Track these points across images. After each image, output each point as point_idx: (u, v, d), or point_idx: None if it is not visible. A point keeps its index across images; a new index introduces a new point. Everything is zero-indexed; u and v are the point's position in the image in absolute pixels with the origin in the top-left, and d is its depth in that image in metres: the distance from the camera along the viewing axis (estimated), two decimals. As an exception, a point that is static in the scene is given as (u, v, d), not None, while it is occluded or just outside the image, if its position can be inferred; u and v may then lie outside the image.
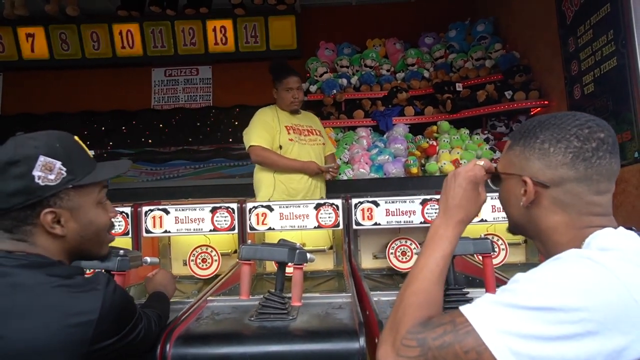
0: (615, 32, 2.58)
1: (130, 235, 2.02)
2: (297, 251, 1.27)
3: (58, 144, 0.94)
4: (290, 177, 2.78)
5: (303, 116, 2.96)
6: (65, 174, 0.92)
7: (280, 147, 2.79)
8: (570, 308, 0.66)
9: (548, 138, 0.83)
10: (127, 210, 2.04)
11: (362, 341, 1.09)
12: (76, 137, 1.00)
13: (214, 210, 2.06)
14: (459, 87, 4.14)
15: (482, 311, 0.72)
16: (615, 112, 2.60)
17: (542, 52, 3.68)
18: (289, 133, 2.79)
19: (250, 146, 2.75)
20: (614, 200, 2.47)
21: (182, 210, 2.08)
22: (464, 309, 0.74)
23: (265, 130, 2.76)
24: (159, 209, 2.06)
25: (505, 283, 1.54)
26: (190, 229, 2.08)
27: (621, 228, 0.81)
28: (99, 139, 4.98)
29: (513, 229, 0.94)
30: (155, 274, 1.44)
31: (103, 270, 1.29)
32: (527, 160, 0.85)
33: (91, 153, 1.04)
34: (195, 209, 2.10)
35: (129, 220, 2.04)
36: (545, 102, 3.63)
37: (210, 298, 1.43)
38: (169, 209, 2.05)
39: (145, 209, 2.05)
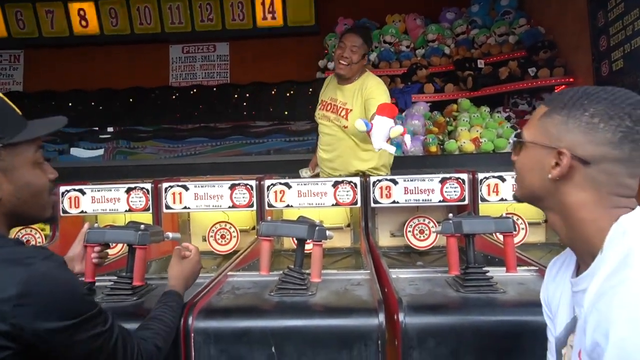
0: (648, 5, 2.48)
1: (151, 211, 2.05)
2: (317, 228, 1.28)
3: None
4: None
5: (351, 87, 2.56)
6: None
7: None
8: None
9: (600, 112, 0.78)
10: (148, 186, 2.07)
11: (381, 317, 1.10)
12: (1, 95, 0.93)
13: (232, 187, 2.07)
14: (480, 63, 4.04)
15: None
16: (644, 90, 2.52)
17: (569, 27, 3.55)
18: (320, 109, 2.68)
19: None
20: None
21: (202, 186, 2.09)
22: None
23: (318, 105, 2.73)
24: (178, 185, 2.08)
25: (525, 263, 1.54)
26: (209, 205, 2.10)
27: None
28: (117, 116, 5.03)
29: (526, 197, 0.90)
30: (184, 258, 1.32)
31: (125, 245, 1.30)
32: (569, 132, 0.80)
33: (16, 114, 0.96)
34: (214, 186, 2.11)
35: (150, 196, 2.07)
36: (571, 80, 3.53)
37: (230, 273, 1.46)
38: (188, 186, 2.08)
39: (165, 185, 2.08)
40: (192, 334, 1.07)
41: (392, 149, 2.02)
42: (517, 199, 0.92)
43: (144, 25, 5.19)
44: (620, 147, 0.76)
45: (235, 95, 5.13)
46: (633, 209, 0.79)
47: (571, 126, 0.79)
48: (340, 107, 2.60)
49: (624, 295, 0.66)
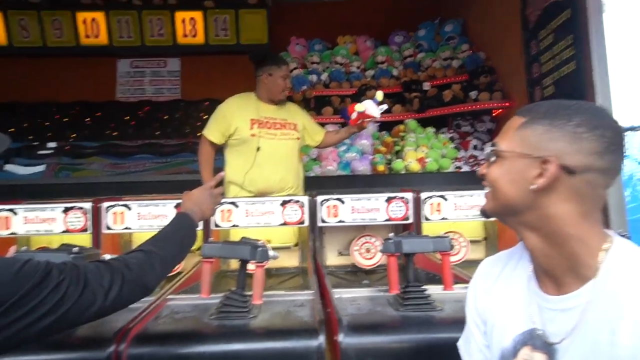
0: (575, 37, 2.68)
1: (89, 232, 1.97)
2: (259, 249, 1.28)
3: None
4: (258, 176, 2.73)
5: (281, 108, 2.83)
6: None
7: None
8: None
9: (584, 122, 0.77)
10: (87, 205, 1.99)
11: (321, 339, 1.11)
12: None
13: (178, 207, 2.03)
14: (426, 86, 4.20)
15: None
16: (572, 115, 2.70)
17: (506, 54, 3.78)
18: (252, 128, 2.69)
19: (202, 133, 2.75)
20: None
21: (145, 206, 2.04)
22: None
23: (219, 124, 2.72)
24: (120, 205, 2.02)
25: (463, 280, 1.60)
26: (152, 225, 2.04)
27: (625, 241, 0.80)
28: (61, 130, 4.81)
29: (499, 211, 0.86)
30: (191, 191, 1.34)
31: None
32: (553, 141, 0.78)
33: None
34: (158, 205, 2.06)
35: (89, 216, 1.99)
36: (507, 104, 3.74)
37: (170, 296, 1.42)
38: (130, 205, 2.01)
39: (105, 204, 2.01)
40: (125, 363, 1.03)
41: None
42: (486, 214, 0.89)
43: (90, 38, 5.03)
44: (603, 157, 0.76)
45: (186, 112, 5.04)
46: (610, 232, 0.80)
47: (555, 135, 0.78)
48: (283, 123, 2.80)
49: None
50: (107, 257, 1.42)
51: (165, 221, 2.06)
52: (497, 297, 0.91)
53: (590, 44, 2.54)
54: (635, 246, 0.78)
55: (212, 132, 2.72)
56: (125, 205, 2.01)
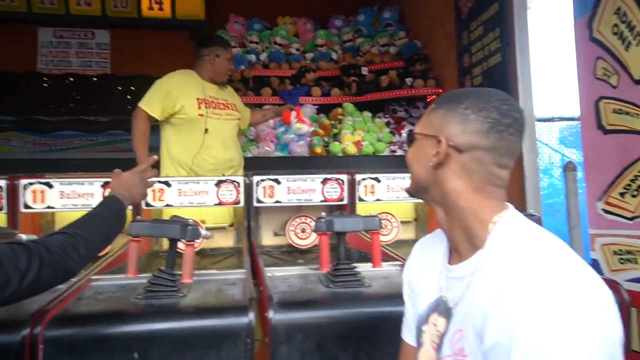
0: (501, 30, 2.83)
1: (5, 211, 1.83)
2: (189, 227, 1.25)
3: None
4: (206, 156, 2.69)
5: (223, 89, 2.83)
6: None
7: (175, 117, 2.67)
8: None
9: (472, 105, 0.86)
10: (2, 183, 1.85)
11: (251, 316, 1.12)
12: None
13: (105, 185, 1.94)
14: (364, 71, 4.27)
15: None
16: (497, 104, 2.87)
17: (440, 43, 3.91)
18: (199, 108, 2.64)
19: (138, 106, 2.61)
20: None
21: (68, 184, 1.93)
22: None
23: (162, 100, 2.60)
24: (40, 183, 1.89)
25: (392, 258, 1.67)
26: (77, 205, 1.94)
27: (520, 216, 0.85)
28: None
29: (415, 189, 0.95)
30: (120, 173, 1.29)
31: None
32: (448, 123, 0.87)
33: None
34: (83, 183, 1.96)
35: (4, 194, 1.85)
36: (441, 91, 3.89)
37: (94, 277, 1.36)
38: (52, 183, 1.89)
39: (23, 182, 1.88)
40: (41, 345, 0.98)
41: None
42: (410, 193, 0.97)
43: (6, 2, 4.60)
44: (488, 136, 0.84)
45: (117, 87, 4.78)
46: (506, 201, 0.87)
47: (449, 117, 0.87)
48: (226, 104, 2.80)
49: (528, 299, 0.70)
50: (24, 237, 1.34)
51: (92, 200, 1.99)
52: (421, 270, 0.99)
53: (515, 38, 2.69)
54: (523, 219, 0.85)
55: (153, 107, 2.59)
56: (47, 184, 1.89)
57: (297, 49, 4.67)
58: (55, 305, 1.09)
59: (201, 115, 2.64)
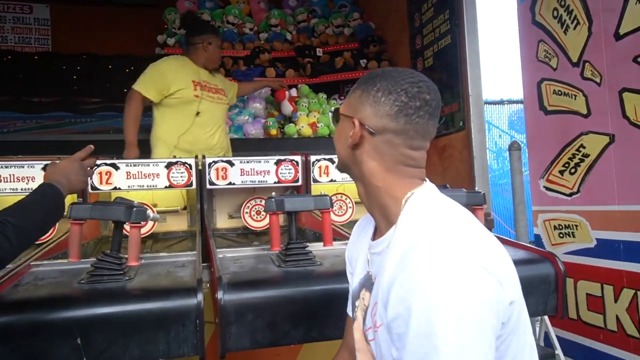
0: (450, 12, 2.88)
1: None
2: (135, 209, 1.21)
3: None
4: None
5: (214, 75, 2.98)
6: None
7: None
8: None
9: (383, 88, 0.86)
10: None
11: (199, 297, 1.10)
12: None
13: (46, 168, 1.84)
14: (319, 52, 4.24)
15: None
16: (448, 85, 2.94)
17: (393, 25, 3.95)
18: (195, 89, 2.75)
19: (133, 88, 2.69)
20: (442, 163, 2.81)
21: (6, 167, 1.83)
22: None
23: (157, 82, 2.69)
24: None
25: (343, 237, 1.69)
26: (17, 189, 1.84)
27: (433, 190, 0.89)
28: None
29: (340, 166, 0.98)
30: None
31: None
32: (362, 104, 0.88)
33: None
34: (23, 167, 1.86)
35: None
36: (395, 73, 3.93)
37: (34, 263, 1.30)
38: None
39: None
40: (-26, 334, 0.93)
41: None
42: (338, 169, 1.00)
43: None
44: (396, 120, 0.84)
45: (60, 66, 4.51)
46: (423, 179, 0.89)
47: (364, 99, 0.88)
48: (217, 89, 2.94)
49: (422, 272, 0.72)
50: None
51: (32, 184, 1.89)
52: (356, 248, 1.03)
53: (464, 20, 2.75)
54: (434, 194, 0.89)
55: (149, 89, 2.67)
56: (-20, 167, 1.78)
57: (251, 29, 4.57)
58: (-10, 293, 1.04)
59: (196, 96, 2.75)
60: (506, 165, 6.95)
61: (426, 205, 0.84)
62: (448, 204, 0.87)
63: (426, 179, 0.91)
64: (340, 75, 4.11)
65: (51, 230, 1.92)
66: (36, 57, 4.50)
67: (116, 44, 4.52)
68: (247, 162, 2.12)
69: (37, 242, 1.85)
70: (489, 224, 2.32)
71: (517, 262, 1.39)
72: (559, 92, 2.33)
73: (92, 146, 1.33)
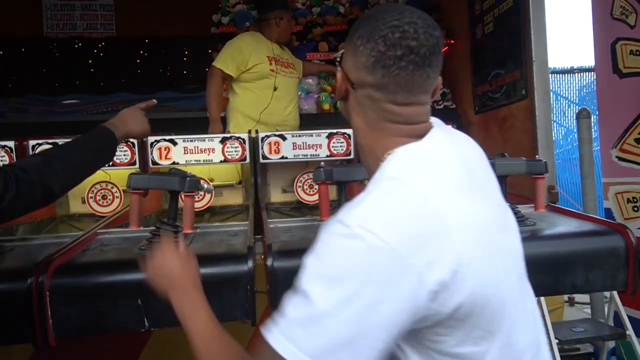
0: (513, -28, 2.68)
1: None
2: (188, 179, 1.26)
3: None
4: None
5: (284, 49, 3.05)
6: None
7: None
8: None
9: (362, 34, 0.75)
10: (10, 144, 1.88)
11: (250, 263, 1.13)
12: None
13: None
14: (372, 24, 4.14)
15: (293, 329, 0.64)
16: (510, 52, 2.76)
17: (451, -9, 3.76)
18: (270, 64, 2.84)
19: (213, 65, 2.80)
20: (502, 135, 2.64)
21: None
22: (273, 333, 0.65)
23: (235, 58, 2.78)
24: (48, 143, 1.92)
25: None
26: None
27: (422, 143, 0.76)
28: None
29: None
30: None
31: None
32: (346, 54, 0.79)
33: None
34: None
35: (14, 155, 1.88)
36: (452, 42, 3.76)
37: (100, 230, 1.39)
38: (60, 143, 1.91)
39: (32, 142, 1.91)
40: (47, 292, 1.02)
41: None
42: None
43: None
44: (373, 72, 0.73)
45: (123, 50, 4.74)
46: (420, 136, 0.76)
47: (347, 48, 0.78)
48: (288, 63, 3.01)
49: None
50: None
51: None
52: None
53: (528, -21, 2.55)
54: (414, 152, 0.75)
55: (228, 65, 2.78)
56: (54, 144, 1.91)
57: (303, 4, 4.52)
58: (61, 256, 1.12)
59: (272, 70, 2.83)
60: (575, 140, 6.50)
61: (392, 165, 0.73)
62: (424, 165, 0.73)
63: (428, 135, 0.77)
64: (394, 47, 3.98)
65: (117, 203, 2.05)
66: (102, 43, 4.75)
67: (173, 24, 4.65)
68: (299, 135, 2.13)
69: (102, 213, 2.01)
70: (553, 197, 2.18)
71: (583, 234, 1.32)
72: (637, 52, 2.12)
73: (155, 100, 1.37)
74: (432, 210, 0.67)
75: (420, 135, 0.77)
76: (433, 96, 0.80)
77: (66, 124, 3.77)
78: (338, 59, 0.83)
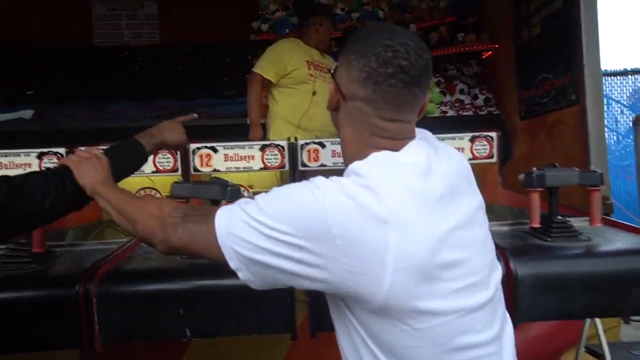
0: (562, -28, 2.57)
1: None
2: (229, 188, 1.26)
3: None
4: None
5: (324, 55, 3.06)
6: None
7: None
8: (282, 231, 0.73)
9: (356, 50, 0.80)
10: (62, 150, 1.96)
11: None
12: None
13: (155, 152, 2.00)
14: (412, 28, 4.07)
15: (227, 212, 0.78)
16: (558, 55, 2.65)
17: (495, -8, 3.64)
18: (309, 68, 2.85)
19: (253, 71, 2.84)
20: (551, 142, 2.54)
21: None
22: (223, 208, 0.81)
23: (275, 63, 2.82)
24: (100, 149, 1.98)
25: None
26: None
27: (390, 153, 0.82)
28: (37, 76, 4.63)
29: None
30: None
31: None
32: (340, 66, 0.84)
33: None
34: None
35: (64, 161, 1.96)
36: (496, 45, 3.65)
37: (144, 238, 1.42)
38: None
39: (81, 149, 1.97)
40: (94, 299, 1.04)
41: None
42: None
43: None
44: (365, 87, 0.78)
45: (166, 57, 4.88)
46: (396, 149, 0.81)
47: (341, 61, 0.83)
48: (328, 69, 2.87)
49: None
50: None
51: (144, 167, 2.03)
52: None
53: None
54: (378, 159, 0.80)
55: (268, 70, 2.81)
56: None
57: (342, 9, 4.52)
58: (107, 263, 1.15)
59: (311, 75, 2.84)
60: (629, 145, 6.15)
61: (361, 164, 0.78)
62: (387, 169, 0.77)
63: (406, 147, 0.82)
64: (435, 51, 3.90)
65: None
66: (147, 51, 4.91)
67: (213, 32, 4.75)
68: (338, 143, 2.10)
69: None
70: (607, 209, 2.06)
71: (633, 252, 1.23)
72: (700, 55, 1.98)
73: (195, 115, 1.44)
74: (378, 205, 0.73)
75: (398, 150, 0.82)
76: (419, 115, 0.84)
77: (112, 130, 3.90)
78: (332, 71, 0.88)
